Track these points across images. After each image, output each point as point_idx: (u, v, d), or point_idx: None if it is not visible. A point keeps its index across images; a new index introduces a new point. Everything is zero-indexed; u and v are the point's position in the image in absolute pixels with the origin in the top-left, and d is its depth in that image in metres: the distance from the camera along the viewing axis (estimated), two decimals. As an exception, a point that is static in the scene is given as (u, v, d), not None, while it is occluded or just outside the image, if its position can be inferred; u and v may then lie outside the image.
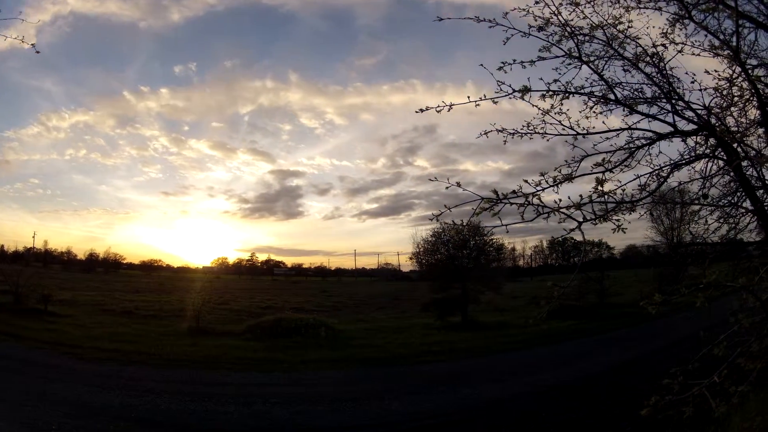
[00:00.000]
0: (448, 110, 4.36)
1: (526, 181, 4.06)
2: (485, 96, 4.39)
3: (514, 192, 3.93)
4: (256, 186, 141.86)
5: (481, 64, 4.42)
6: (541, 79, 4.73)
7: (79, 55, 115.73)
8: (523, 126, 4.82)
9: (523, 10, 4.90)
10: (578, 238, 4.18)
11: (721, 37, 5.02)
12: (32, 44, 5.50)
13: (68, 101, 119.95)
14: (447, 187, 3.91)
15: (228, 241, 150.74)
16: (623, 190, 4.43)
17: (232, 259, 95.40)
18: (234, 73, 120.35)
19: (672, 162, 5.12)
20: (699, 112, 5.03)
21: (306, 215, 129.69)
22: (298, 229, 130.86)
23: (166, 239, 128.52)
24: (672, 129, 4.99)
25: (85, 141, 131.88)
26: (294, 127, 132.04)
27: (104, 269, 74.12)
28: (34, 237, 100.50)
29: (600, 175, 4.36)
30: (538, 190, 4.05)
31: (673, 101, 5.03)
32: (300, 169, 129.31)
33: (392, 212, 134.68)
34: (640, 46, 5.14)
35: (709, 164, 5.50)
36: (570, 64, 4.95)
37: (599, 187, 4.09)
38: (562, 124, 4.82)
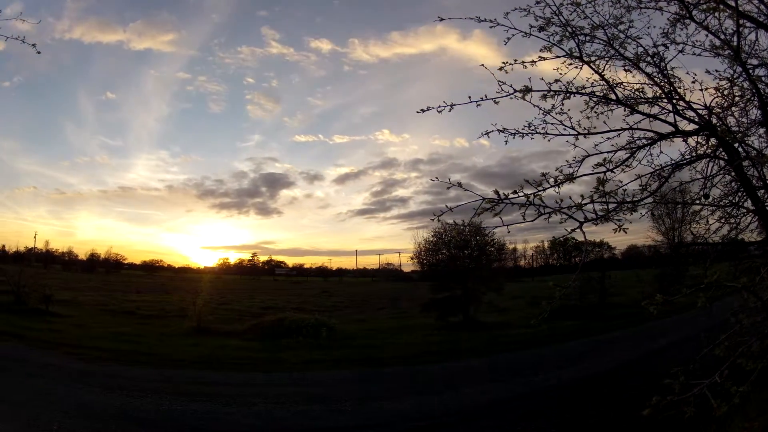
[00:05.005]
0: (450, 110, 4.36)
1: (527, 181, 4.07)
2: (486, 96, 4.40)
3: (515, 192, 3.94)
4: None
5: (482, 64, 4.44)
6: (542, 79, 4.75)
7: None
8: (524, 126, 4.83)
9: (524, 10, 4.91)
10: (579, 238, 4.18)
11: (722, 36, 5.02)
12: (33, 44, 5.48)
13: None
14: (448, 187, 3.92)
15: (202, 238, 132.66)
16: (624, 190, 4.43)
17: (233, 260, 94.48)
18: None
19: (673, 162, 5.12)
20: (700, 112, 5.02)
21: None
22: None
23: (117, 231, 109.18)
24: (673, 129, 4.98)
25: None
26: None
27: (105, 269, 74.17)
28: (35, 237, 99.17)
29: (601, 175, 4.36)
30: (539, 191, 4.05)
31: (674, 101, 5.02)
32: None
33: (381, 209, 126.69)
34: (641, 46, 5.14)
35: (710, 164, 5.51)
36: (571, 64, 4.96)
37: (600, 187, 4.10)
38: (563, 124, 4.83)
